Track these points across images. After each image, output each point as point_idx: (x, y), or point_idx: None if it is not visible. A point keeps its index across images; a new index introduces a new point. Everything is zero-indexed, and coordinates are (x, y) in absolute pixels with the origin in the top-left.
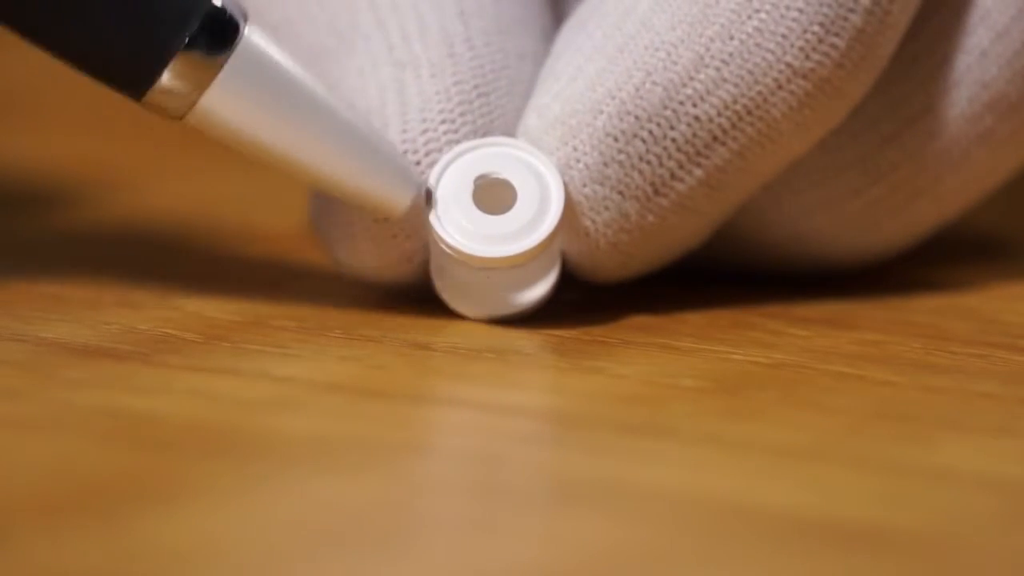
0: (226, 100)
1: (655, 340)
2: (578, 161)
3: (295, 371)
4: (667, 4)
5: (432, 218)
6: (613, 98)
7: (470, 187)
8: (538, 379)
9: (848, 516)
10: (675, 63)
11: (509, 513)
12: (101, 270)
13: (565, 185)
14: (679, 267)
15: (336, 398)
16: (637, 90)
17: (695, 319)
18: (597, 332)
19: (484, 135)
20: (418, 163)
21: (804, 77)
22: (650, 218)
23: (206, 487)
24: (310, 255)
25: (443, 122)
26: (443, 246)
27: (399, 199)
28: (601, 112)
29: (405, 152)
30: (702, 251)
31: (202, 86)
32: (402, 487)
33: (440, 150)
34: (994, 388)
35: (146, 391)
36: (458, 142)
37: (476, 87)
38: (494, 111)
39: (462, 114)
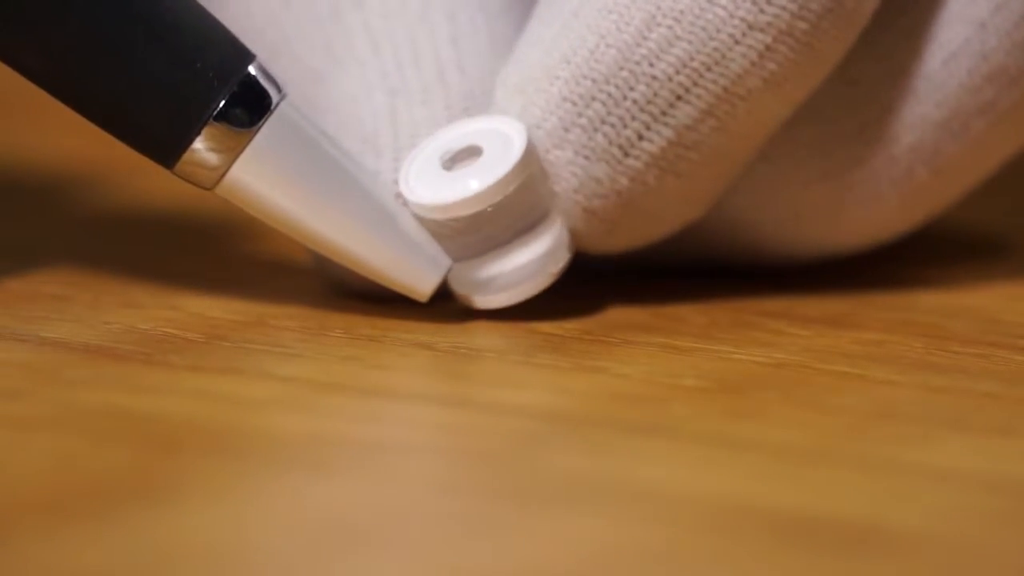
0: (256, 171)
1: (656, 340)
2: (538, 127)
3: (296, 371)
4: None
5: (406, 193)
6: (568, 63)
7: (439, 159)
8: (539, 379)
9: (848, 516)
10: (628, 24)
11: (510, 513)
12: (102, 270)
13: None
14: (680, 266)
15: (337, 398)
16: (591, 53)
17: (696, 319)
18: (598, 332)
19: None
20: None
21: (761, 30)
22: (624, 181)
23: (206, 486)
24: (311, 254)
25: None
26: (416, 208)
27: (425, 281)
28: (557, 78)
29: (395, 181)
30: (702, 239)
31: (232, 156)
32: (402, 487)
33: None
34: (995, 388)
35: (147, 391)
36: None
37: (466, 110)
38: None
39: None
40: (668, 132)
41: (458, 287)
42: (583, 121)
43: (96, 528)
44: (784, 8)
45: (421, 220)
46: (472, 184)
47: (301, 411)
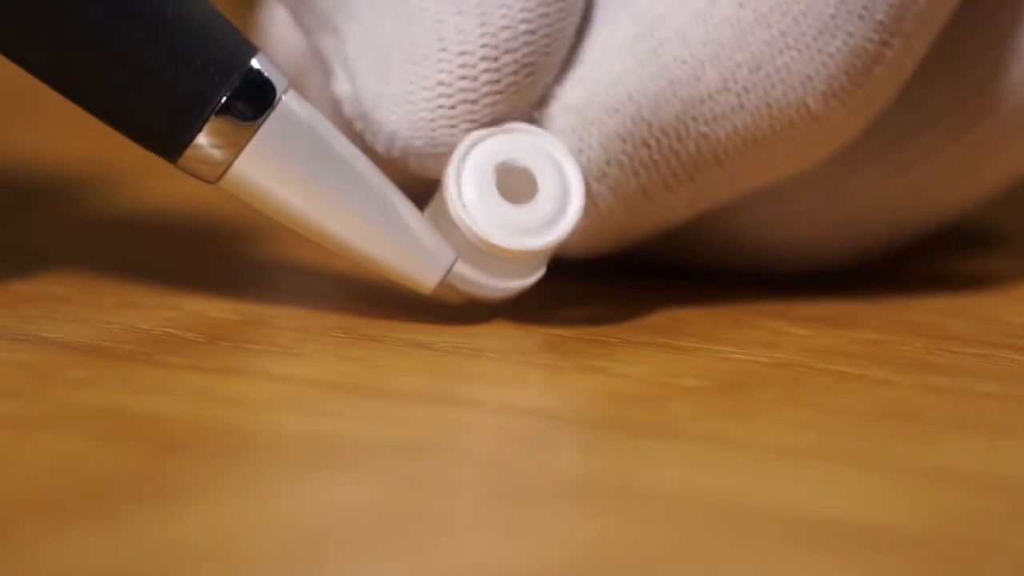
0: (259, 165)
1: (656, 339)
2: (581, 152)
3: (296, 371)
4: (704, 20)
5: (455, 202)
6: (632, 100)
7: (493, 173)
8: (539, 379)
9: (848, 516)
10: (699, 80)
11: (509, 513)
12: (102, 270)
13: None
14: (680, 270)
15: (337, 398)
16: (656, 97)
17: (696, 318)
18: (598, 331)
19: (555, 43)
20: (495, 59)
21: (817, 120)
22: (633, 218)
23: (207, 487)
24: (311, 255)
25: (523, 21)
26: (465, 231)
27: (428, 276)
28: (617, 111)
29: (484, 45)
30: (699, 248)
31: (236, 150)
32: (402, 487)
33: (517, 50)
34: (995, 388)
35: (148, 391)
36: (533, 44)
37: None
38: (566, 23)
39: (541, 15)
40: (692, 187)
41: (457, 281)
42: (624, 159)
43: (96, 528)
44: (844, 103)
45: (451, 222)
46: (527, 239)
47: (301, 411)
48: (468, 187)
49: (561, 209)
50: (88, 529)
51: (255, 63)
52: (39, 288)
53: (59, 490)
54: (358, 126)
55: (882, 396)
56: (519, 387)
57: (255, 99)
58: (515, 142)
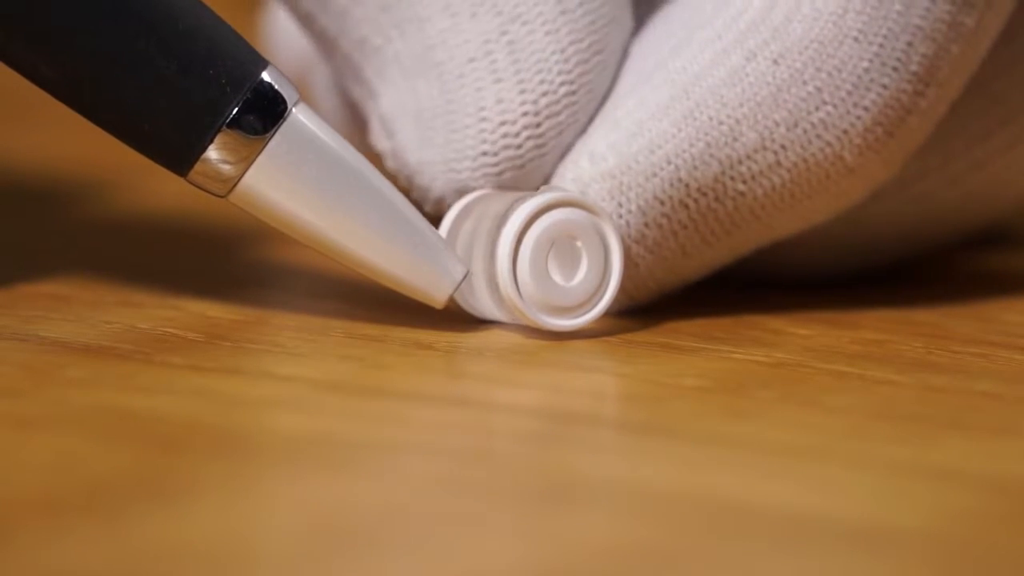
0: (269, 179)
1: (656, 339)
2: (620, 217)
3: (296, 370)
4: (740, 79)
5: (505, 271)
6: (670, 163)
7: (548, 251)
8: (538, 378)
9: (848, 516)
10: (736, 140)
11: (509, 513)
12: (102, 270)
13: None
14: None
15: (337, 397)
16: (694, 160)
17: (696, 318)
18: (598, 331)
19: (595, 93)
20: (538, 125)
21: (852, 172)
22: (672, 278)
23: (207, 486)
24: (312, 255)
25: (563, 84)
26: (506, 299)
27: (440, 289)
28: (655, 175)
29: (525, 113)
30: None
31: (245, 164)
32: (402, 487)
33: (559, 113)
34: (995, 387)
35: (148, 390)
36: (575, 104)
37: (591, 46)
38: (605, 72)
39: (580, 75)
40: (729, 241)
41: (464, 302)
42: (663, 221)
43: (96, 528)
44: (879, 153)
45: (489, 259)
46: (559, 319)
47: (301, 411)
48: (523, 262)
49: (597, 293)
50: (88, 529)
51: (265, 75)
52: (39, 288)
53: (59, 490)
54: (402, 180)
55: (882, 396)
56: (519, 387)
57: (265, 112)
58: (576, 217)
